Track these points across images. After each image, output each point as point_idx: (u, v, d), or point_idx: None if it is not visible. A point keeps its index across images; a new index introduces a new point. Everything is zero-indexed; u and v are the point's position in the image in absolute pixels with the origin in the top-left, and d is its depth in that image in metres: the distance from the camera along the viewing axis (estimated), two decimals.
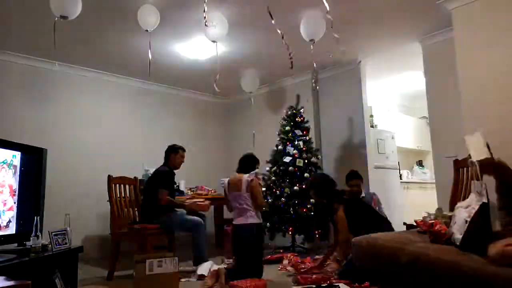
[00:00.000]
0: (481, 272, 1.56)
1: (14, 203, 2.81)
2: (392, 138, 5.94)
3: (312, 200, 4.27)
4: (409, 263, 1.85)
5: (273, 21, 2.44)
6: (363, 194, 4.01)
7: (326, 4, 2.58)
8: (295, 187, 4.29)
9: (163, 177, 3.73)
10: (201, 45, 4.29)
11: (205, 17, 2.87)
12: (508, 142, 3.06)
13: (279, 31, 2.55)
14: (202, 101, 6.33)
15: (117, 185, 3.74)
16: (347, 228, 3.14)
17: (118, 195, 3.74)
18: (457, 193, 3.01)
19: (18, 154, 2.89)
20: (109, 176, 3.64)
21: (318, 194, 3.48)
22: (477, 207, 1.75)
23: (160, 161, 3.96)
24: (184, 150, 3.97)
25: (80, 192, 4.67)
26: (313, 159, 4.51)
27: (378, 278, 2.18)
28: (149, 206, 3.67)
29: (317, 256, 3.80)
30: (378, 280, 2.22)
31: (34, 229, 2.68)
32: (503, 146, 3.06)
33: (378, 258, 2.04)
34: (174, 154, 3.87)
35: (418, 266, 1.81)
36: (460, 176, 3.07)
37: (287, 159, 4.42)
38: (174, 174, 3.87)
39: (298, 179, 4.38)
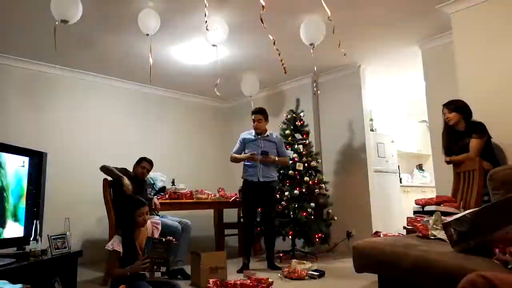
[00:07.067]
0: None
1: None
2: (392, 142, 5.94)
3: (312, 204, 4.27)
4: (412, 267, 1.85)
5: (264, 28, 2.44)
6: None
7: (327, 9, 2.58)
8: (295, 191, 4.29)
9: None
10: (201, 49, 4.30)
11: (206, 22, 2.88)
12: (509, 146, 3.07)
13: (270, 37, 2.56)
14: (202, 105, 6.34)
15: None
16: None
17: None
18: (457, 197, 3.00)
19: (19, 158, 2.89)
20: (104, 180, 3.62)
21: None
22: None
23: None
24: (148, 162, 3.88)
25: (80, 196, 4.65)
26: (313, 163, 4.51)
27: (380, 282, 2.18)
28: None
29: None
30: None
31: (33, 233, 2.68)
32: (504, 150, 3.07)
33: (380, 262, 2.04)
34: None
35: (422, 270, 1.80)
36: (460, 180, 3.07)
37: None
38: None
39: (298, 182, 4.38)
